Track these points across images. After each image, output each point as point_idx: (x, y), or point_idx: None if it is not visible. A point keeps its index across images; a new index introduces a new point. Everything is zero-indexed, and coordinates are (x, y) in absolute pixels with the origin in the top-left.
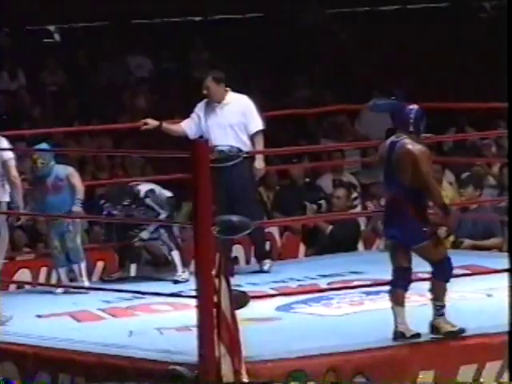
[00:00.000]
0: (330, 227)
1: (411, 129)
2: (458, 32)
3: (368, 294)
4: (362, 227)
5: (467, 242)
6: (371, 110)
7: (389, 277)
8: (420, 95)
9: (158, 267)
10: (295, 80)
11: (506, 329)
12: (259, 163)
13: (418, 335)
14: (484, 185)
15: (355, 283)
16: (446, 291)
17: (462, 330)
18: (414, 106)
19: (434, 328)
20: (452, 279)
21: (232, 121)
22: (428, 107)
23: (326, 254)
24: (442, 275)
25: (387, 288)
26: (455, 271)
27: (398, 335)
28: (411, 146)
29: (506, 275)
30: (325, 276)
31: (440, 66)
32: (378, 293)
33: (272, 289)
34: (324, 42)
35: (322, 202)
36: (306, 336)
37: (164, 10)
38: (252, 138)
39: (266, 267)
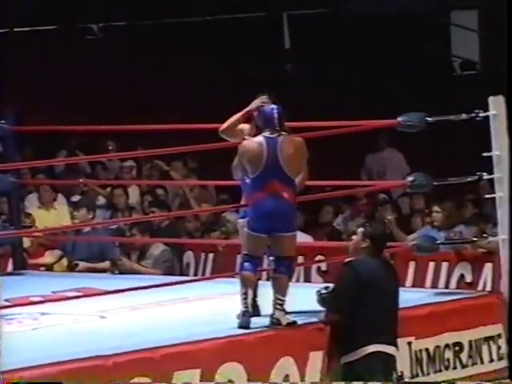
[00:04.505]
0: None
1: (277, 127)
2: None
3: None
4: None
5: (82, 264)
6: None
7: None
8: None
9: None
10: None
11: (123, 350)
12: None
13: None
14: (96, 206)
15: None
16: (288, 287)
17: (294, 322)
18: (275, 105)
19: (275, 320)
20: (64, 302)
21: None
22: (38, 130)
23: None
24: (287, 271)
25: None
26: (68, 293)
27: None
28: (297, 138)
29: (118, 296)
30: None
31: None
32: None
33: None
34: None
35: None
36: None
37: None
38: None
39: None
